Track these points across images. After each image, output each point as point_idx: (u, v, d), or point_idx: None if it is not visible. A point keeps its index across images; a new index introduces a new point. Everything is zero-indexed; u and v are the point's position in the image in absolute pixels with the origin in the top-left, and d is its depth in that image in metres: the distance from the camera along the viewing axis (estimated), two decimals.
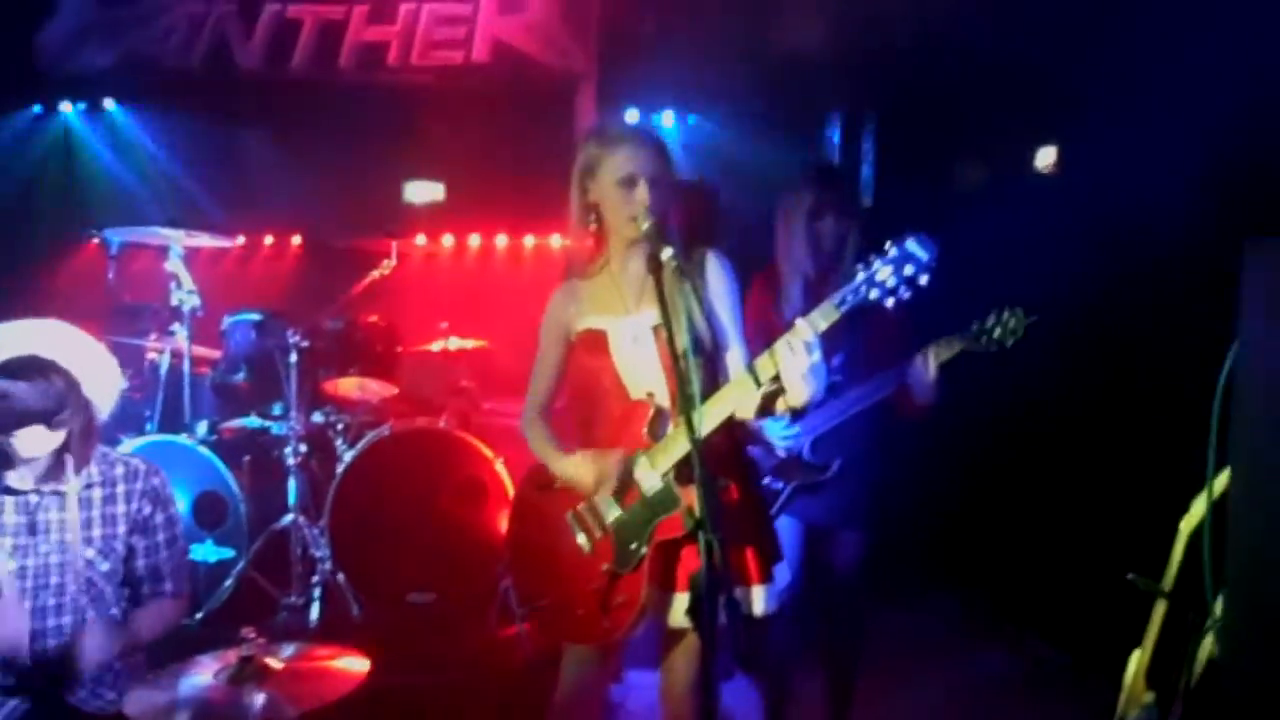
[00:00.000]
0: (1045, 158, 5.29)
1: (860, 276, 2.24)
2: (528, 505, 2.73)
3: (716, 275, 2.59)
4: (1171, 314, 3.58)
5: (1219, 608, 1.83)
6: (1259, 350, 1.71)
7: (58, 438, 2.47)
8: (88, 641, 2.42)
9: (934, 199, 4.84)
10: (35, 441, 2.44)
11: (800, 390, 2.36)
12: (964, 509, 4.86)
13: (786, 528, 3.08)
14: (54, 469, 2.51)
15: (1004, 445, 4.62)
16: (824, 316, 2.29)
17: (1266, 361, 1.71)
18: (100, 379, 2.52)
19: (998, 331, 2.98)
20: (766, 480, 3.12)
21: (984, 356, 3.02)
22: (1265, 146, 3.26)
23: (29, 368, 2.40)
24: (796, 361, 2.29)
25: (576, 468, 2.53)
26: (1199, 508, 2.57)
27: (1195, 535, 2.54)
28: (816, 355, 2.31)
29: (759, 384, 2.35)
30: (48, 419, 2.42)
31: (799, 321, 2.31)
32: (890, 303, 2.23)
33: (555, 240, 6.15)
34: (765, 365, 2.35)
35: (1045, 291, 3.04)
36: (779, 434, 3.06)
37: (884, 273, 2.22)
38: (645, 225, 2.40)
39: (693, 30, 5.65)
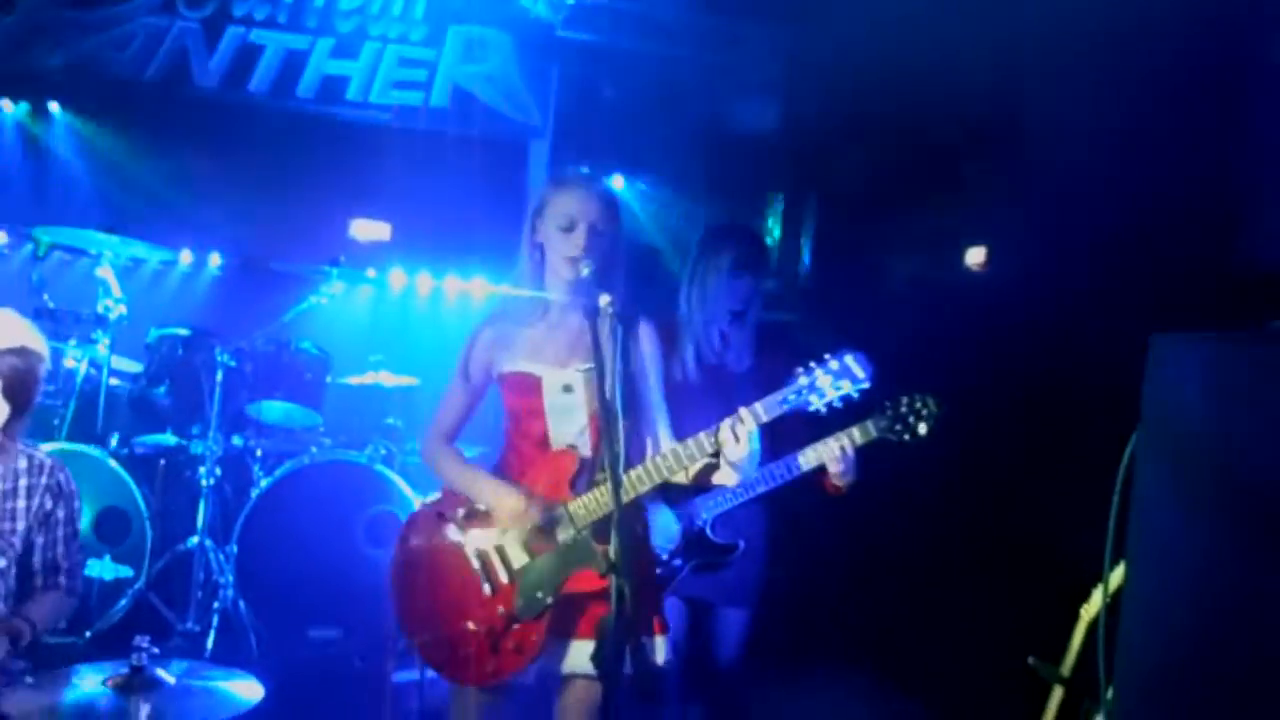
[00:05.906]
0: (975, 255, 5.53)
1: (803, 381, 2.37)
2: (420, 533, 2.67)
3: (649, 340, 2.64)
4: (1083, 407, 3.73)
5: (1111, 696, 1.90)
6: (1157, 442, 1.81)
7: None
8: None
9: (867, 283, 5.00)
10: None
11: (732, 473, 2.45)
12: (859, 591, 4.85)
13: (670, 606, 2.94)
14: None
15: (904, 528, 4.66)
16: (767, 410, 2.39)
17: (1163, 452, 1.81)
18: (42, 371, 2.52)
19: (911, 419, 2.84)
20: (666, 557, 3.00)
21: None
22: (1174, 249, 3.48)
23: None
24: (738, 447, 2.38)
25: (499, 495, 2.51)
26: (1099, 596, 2.66)
27: (1095, 622, 2.63)
28: (756, 444, 2.42)
29: (704, 455, 2.41)
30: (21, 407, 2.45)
31: (743, 410, 2.39)
32: (823, 409, 2.39)
33: (482, 284, 6.10)
34: (706, 441, 2.41)
35: (963, 380, 3.14)
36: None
37: (824, 381, 2.36)
38: (586, 271, 2.45)
39: (648, 100, 5.81)
